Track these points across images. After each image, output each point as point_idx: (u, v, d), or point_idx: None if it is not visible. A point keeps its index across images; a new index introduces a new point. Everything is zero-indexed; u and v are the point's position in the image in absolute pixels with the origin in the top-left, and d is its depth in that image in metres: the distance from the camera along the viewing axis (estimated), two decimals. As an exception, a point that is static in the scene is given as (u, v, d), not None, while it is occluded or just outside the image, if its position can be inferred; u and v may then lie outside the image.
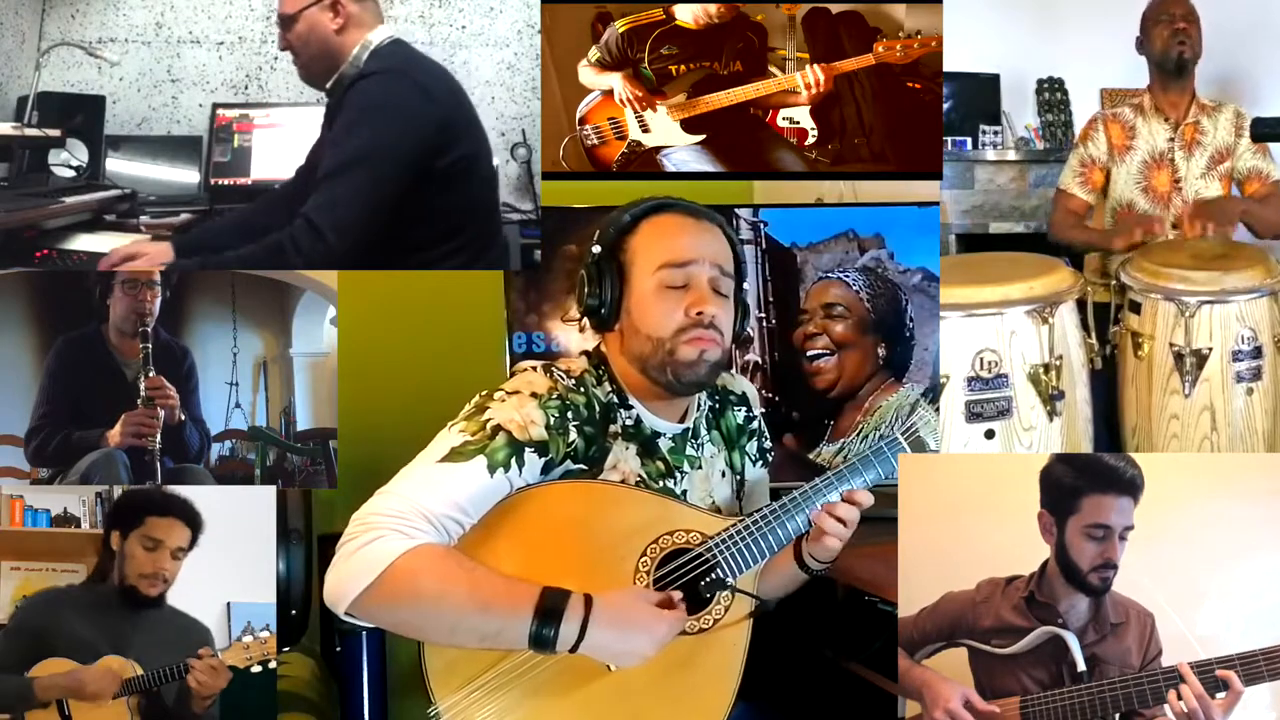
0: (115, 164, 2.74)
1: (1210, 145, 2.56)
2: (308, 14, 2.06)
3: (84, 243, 2.30)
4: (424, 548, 1.34)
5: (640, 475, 1.52)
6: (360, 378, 2.44)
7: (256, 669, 1.89)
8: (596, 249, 1.53)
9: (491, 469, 1.39)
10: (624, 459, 1.51)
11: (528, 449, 1.42)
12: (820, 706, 2.04)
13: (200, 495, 2.20)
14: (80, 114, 2.63)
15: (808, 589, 1.75)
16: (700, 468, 1.60)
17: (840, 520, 1.49)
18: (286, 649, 2.23)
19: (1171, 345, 2.03)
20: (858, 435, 2.28)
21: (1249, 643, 1.52)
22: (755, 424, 1.72)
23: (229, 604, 2.02)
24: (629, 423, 1.54)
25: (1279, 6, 3.03)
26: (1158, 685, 1.52)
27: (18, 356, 2.39)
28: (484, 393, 1.48)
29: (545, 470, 1.45)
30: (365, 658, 2.27)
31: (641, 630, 1.38)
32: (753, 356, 2.32)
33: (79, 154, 2.58)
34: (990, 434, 1.94)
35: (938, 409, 1.55)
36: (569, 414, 1.46)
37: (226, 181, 2.76)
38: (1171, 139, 2.57)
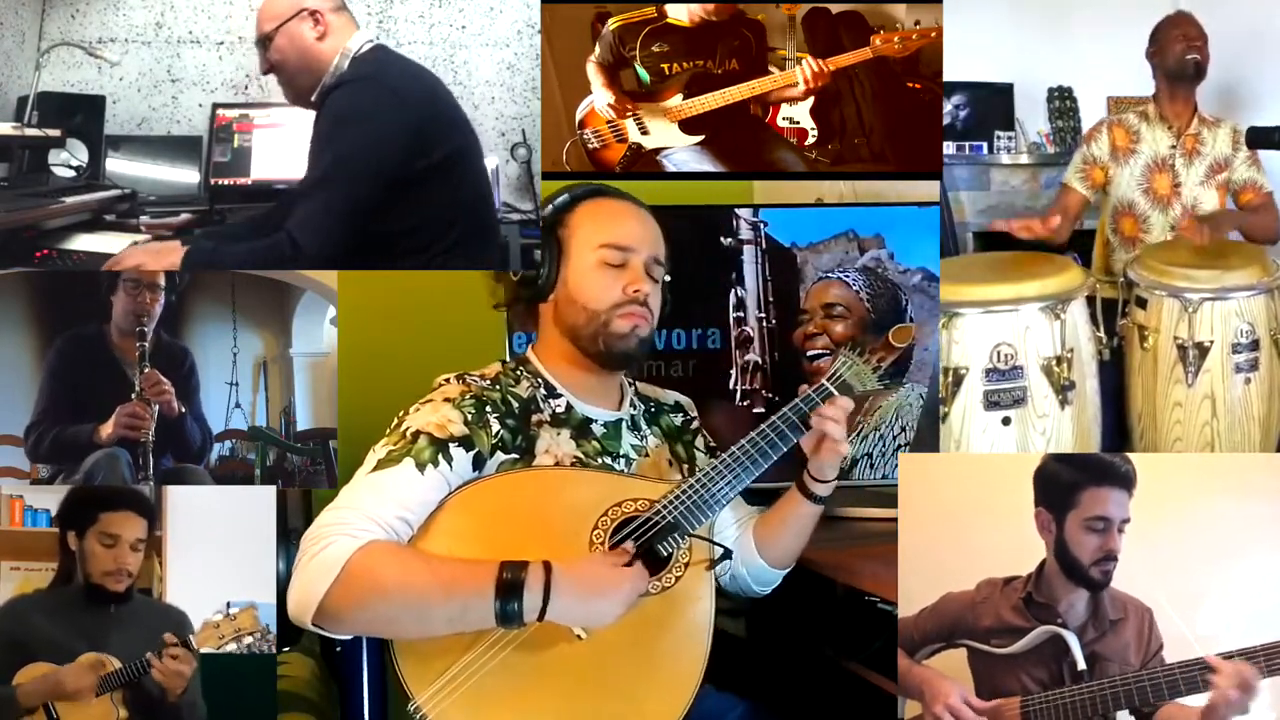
0: (115, 164, 2.74)
1: (1209, 155, 2.71)
2: (286, 28, 2.06)
3: (84, 243, 2.30)
4: (375, 544, 1.37)
5: (576, 456, 1.56)
6: (360, 378, 2.44)
7: (231, 647, 1.88)
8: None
9: (420, 467, 1.44)
10: (555, 443, 1.55)
11: (451, 444, 1.46)
12: (820, 706, 2.04)
13: (200, 495, 2.20)
14: (80, 114, 2.63)
15: (808, 589, 1.75)
16: (649, 456, 1.65)
17: (831, 419, 1.55)
18: (286, 649, 2.23)
19: (1175, 338, 2.17)
20: (858, 435, 2.28)
21: (1249, 641, 1.52)
22: (695, 425, 1.78)
23: (229, 604, 2.02)
24: (559, 410, 1.59)
25: (1270, 19, 3.13)
26: (1157, 682, 1.52)
27: (18, 357, 2.39)
28: (402, 411, 1.53)
29: (477, 465, 1.49)
30: (365, 658, 2.26)
31: (605, 588, 1.40)
32: (753, 356, 2.32)
33: (79, 154, 2.58)
34: (1007, 421, 2.06)
35: (860, 352, 1.64)
36: (486, 408, 1.52)
37: (226, 181, 2.77)
38: (1174, 146, 2.70)
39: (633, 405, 1.69)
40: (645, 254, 1.60)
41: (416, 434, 1.47)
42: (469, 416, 1.49)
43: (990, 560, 1.69)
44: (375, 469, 1.44)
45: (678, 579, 1.49)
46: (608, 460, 1.59)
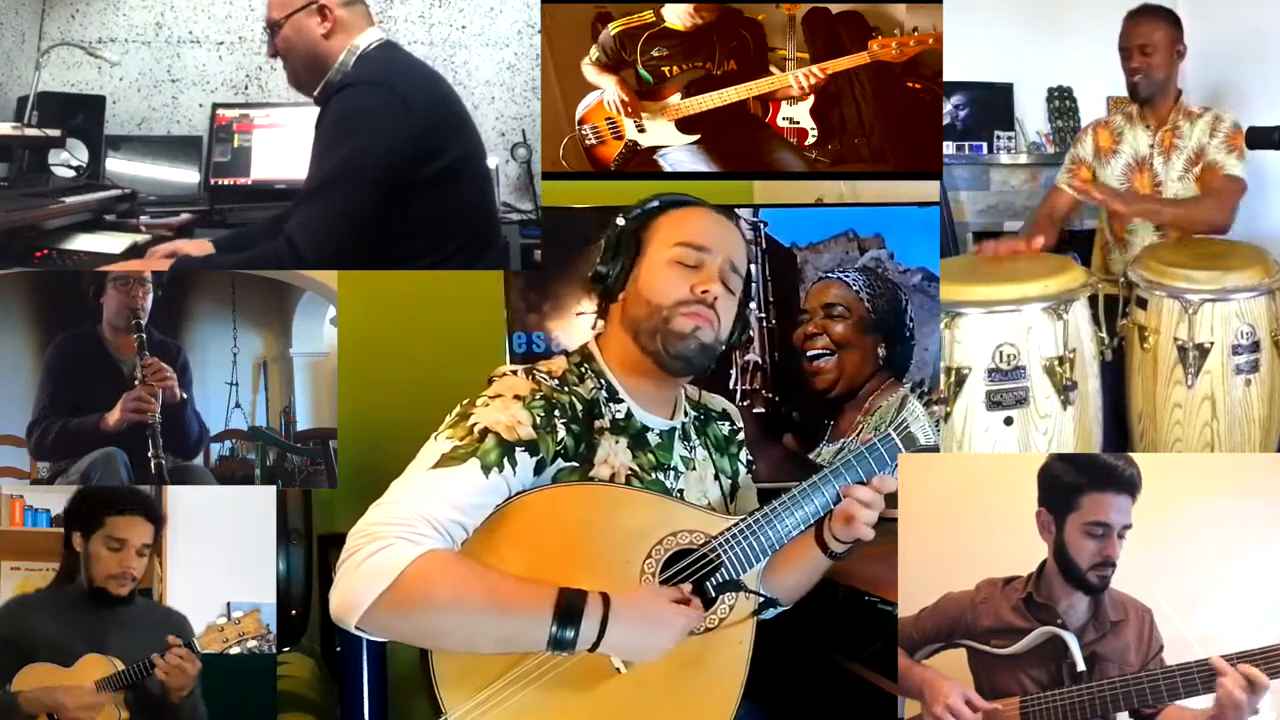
0: (115, 164, 2.74)
1: (1187, 148, 2.66)
2: (295, 19, 2.04)
3: (84, 243, 2.30)
4: (434, 553, 1.32)
5: (631, 469, 1.53)
6: (360, 378, 2.44)
7: (235, 650, 1.88)
8: (621, 221, 1.56)
9: (485, 469, 1.39)
10: (614, 453, 1.52)
11: (518, 449, 1.42)
12: (820, 706, 2.04)
13: (200, 495, 2.20)
14: (80, 114, 2.63)
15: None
16: (695, 469, 1.62)
17: (862, 502, 1.51)
18: (286, 649, 2.23)
19: (1175, 339, 2.15)
20: (857, 435, 2.28)
21: (1249, 642, 1.52)
22: (740, 435, 1.75)
23: (229, 604, 2.02)
24: (619, 416, 1.55)
25: (1270, 18, 3.12)
26: (1157, 683, 1.52)
27: (18, 357, 2.39)
28: (466, 400, 1.48)
29: (538, 470, 1.44)
30: (365, 658, 2.27)
31: (660, 625, 1.38)
32: (753, 356, 2.32)
33: (79, 154, 2.58)
34: (1009, 421, 2.05)
35: (928, 403, 1.59)
36: (555, 412, 1.47)
37: (226, 181, 2.77)
38: (1152, 145, 2.68)
39: (685, 413, 1.65)
40: (721, 256, 1.54)
41: (485, 431, 1.41)
42: (538, 419, 1.44)
43: (990, 560, 1.69)
44: (438, 465, 1.38)
45: (721, 621, 1.48)
46: (660, 476, 1.56)
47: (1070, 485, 1.62)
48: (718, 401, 1.75)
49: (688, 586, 1.44)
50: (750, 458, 1.76)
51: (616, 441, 1.53)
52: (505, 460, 1.40)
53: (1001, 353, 2.04)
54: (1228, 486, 1.70)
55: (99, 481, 2.18)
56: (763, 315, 2.32)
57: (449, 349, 2.51)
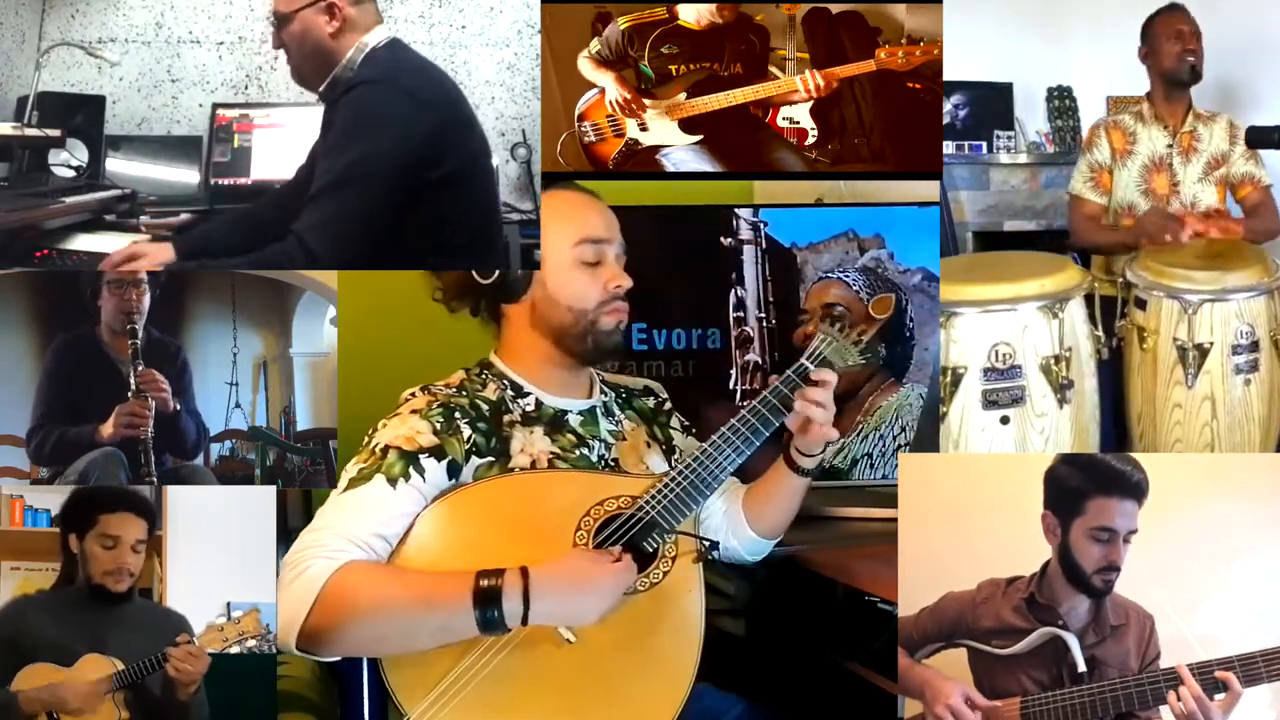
0: (115, 164, 2.74)
1: (1206, 152, 2.70)
2: (303, 15, 2.02)
3: (84, 243, 2.30)
4: (352, 564, 1.37)
5: (553, 452, 1.56)
6: (360, 378, 2.44)
7: (235, 649, 1.88)
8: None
9: (391, 482, 1.44)
10: (530, 442, 1.55)
11: (422, 456, 1.46)
12: (820, 706, 2.04)
13: (200, 495, 2.20)
14: (80, 114, 2.63)
15: (808, 589, 1.75)
16: (626, 439, 1.65)
17: (816, 402, 1.54)
18: (287, 649, 2.23)
19: (1175, 340, 2.15)
20: (857, 435, 2.29)
21: (1249, 642, 1.52)
22: (668, 405, 1.79)
23: (229, 604, 2.02)
24: (528, 409, 1.58)
25: (1271, 18, 3.13)
26: (1158, 686, 1.52)
27: (18, 357, 2.39)
28: (371, 428, 1.53)
29: (452, 473, 1.48)
30: (365, 658, 2.27)
31: (587, 585, 1.40)
32: (753, 356, 2.32)
33: (79, 154, 2.57)
34: (1005, 420, 2.05)
35: (842, 329, 1.62)
36: (456, 415, 1.51)
37: (226, 181, 2.77)
38: (1170, 145, 2.69)
39: (602, 393, 1.69)
40: (616, 245, 1.60)
41: (385, 449, 1.46)
42: (438, 425, 1.49)
43: (990, 560, 1.69)
44: (347, 488, 1.45)
45: (665, 574, 1.49)
46: (584, 451, 1.59)
47: (1076, 490, 1.61)
48: (638, 381, 1.80)
49: (617, 549, 1.46)
50: (685, 421, 1.79)
51: (531, 431, 1.56)
52: (411, 470, 1.45)
53: (997, 352, 2.04)
54: (1228, 486, 1.71)
55: (97, 481, 2.18)
56: (763, 315, 2.32)
57: (449, 349, 2.50)
